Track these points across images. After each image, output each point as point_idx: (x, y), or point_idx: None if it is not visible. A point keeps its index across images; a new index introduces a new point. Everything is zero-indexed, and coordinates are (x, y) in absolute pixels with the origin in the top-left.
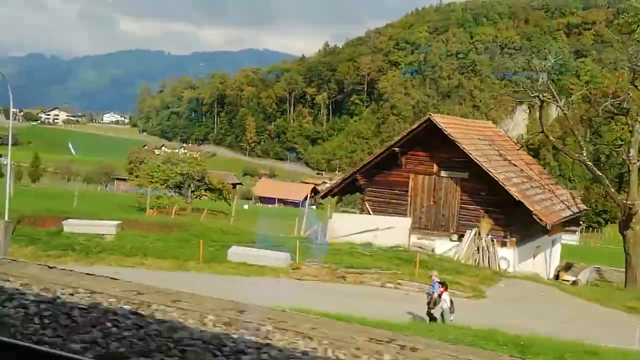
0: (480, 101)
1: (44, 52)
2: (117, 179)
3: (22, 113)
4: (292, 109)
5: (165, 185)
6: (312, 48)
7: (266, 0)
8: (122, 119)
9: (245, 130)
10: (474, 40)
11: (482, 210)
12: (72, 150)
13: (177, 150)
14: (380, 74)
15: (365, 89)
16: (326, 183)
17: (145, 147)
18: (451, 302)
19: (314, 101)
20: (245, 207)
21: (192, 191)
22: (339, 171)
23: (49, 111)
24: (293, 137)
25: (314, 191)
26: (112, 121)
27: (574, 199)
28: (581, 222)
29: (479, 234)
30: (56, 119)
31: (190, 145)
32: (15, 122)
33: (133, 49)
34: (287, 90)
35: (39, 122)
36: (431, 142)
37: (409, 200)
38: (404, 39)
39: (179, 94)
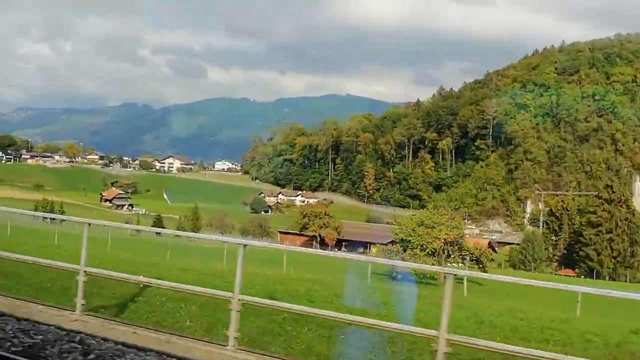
0: (623, 145)
1: (137, 101)
2: (282, 232)
3: (136, 161)
4: (410, 154)
5: (425, 252)
6: (393, 92)
7: (347, 46)
8: (233, 166)
9: (364, 176)
10: (611, 81)
11: None
12: (167, 199)
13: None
14: (508, 117)
15: (491, 133)
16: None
17: (262, 194)
18: None
19: (436, 146)
20: None
21: (447, 257)
22: (468, 219)
23: (163, 159)
24: (416, 184)
25: (490, 246)
26: (223, 169)
27: None
28: None
29: None
30: (171, 167)
31: (305, 192)
32: (131, 171)
33: (219, 96)
34: (405, 136)
35: (154, 170)
36: None
37: None
38: (530, 80)
39: (291, 141)
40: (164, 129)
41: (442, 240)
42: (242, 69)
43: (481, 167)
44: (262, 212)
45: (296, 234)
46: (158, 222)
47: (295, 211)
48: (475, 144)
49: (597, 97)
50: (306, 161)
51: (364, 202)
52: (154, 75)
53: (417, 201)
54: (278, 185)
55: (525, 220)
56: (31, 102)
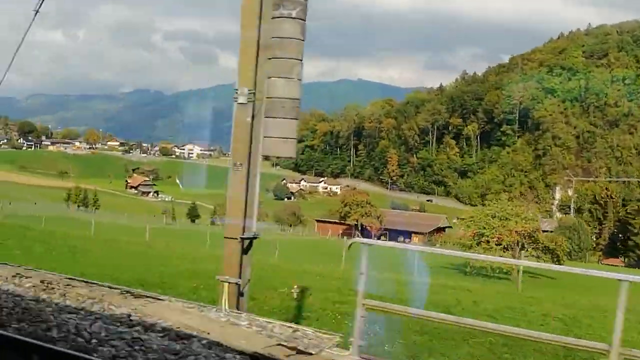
0: None
1: (149, 87)
2: (320, 221)
3: (156, 148)
4: (434, 140)
5: (501, 246)
6: (405, 77)
7: (359, 32)
8: None
9: (387, 162)
10: None
11: None
12: (180, 185)
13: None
14: (535, 102)
15: (517, 118)
16: None
17: (284, 181)
18: None
19: (461, 132)
20: None
21: (520, 250)
22: None
23: (183, 146)
24: (441, 170)
25: None
26: None
27: None
28: None
29: None
30: (191, 153)
31: (327, 178)
32: (152, 157)
33: (231, 82)
34: (429, 121)
35: (174, 156)
36: None
37: None
38: (557, 64)
39: (312, 127)
40: (177, 114)
41: (516, 233)
42: None
43: (507, 153)
44: (285, 199)
45: (335, 223)
46: (193, 211)
47: (318, 198)
48: (501, 129)
49: (627, 81)
50: (327, 147)
51: (387, 188)
52: (166, 62)
53: (442, 187)
54: (299, 171)
55: (554, 207)
56: (44, 89)
